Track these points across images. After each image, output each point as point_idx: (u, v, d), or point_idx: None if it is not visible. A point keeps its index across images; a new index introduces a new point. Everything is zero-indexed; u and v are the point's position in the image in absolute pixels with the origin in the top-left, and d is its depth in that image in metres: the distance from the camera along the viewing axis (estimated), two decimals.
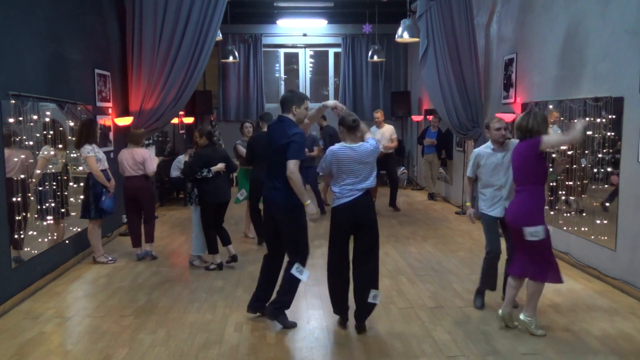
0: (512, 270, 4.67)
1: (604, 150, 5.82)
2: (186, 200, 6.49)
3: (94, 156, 6.32)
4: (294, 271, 4.63)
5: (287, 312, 4.75)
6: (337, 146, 4.58)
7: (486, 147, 5.03)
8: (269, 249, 4.93)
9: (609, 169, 5.75)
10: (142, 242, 6.94)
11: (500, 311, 4.65)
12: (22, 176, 5.40)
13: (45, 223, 5.90)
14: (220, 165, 6.36)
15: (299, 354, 4.27)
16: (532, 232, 4.36)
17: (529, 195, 4.45)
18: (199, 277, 6.18)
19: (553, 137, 4.77)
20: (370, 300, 4.53)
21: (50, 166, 6.02)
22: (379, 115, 9.96)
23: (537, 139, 4.39)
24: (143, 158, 6.73)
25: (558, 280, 4.50)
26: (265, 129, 7.39)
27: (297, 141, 4.47)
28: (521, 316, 4.58)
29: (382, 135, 9.53)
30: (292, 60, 14.90)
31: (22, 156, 5.42)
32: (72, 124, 6.58)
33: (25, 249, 5.51)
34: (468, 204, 4.95)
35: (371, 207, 4.63)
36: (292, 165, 4.43)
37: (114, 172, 6.83)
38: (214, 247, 6.42)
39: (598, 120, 5.90)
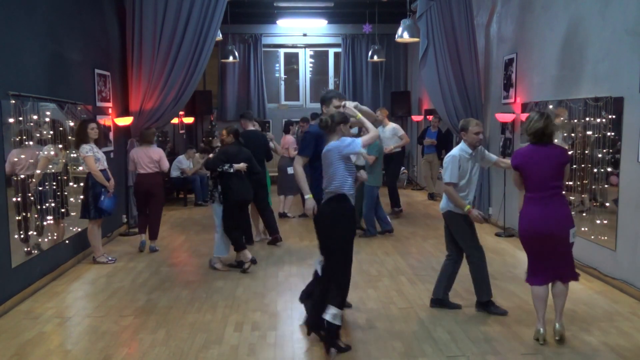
0: (541, 280, 4.40)
1: (604, 150, 5.82)
2: (208, 198, 6.54)
3: (92, 156, 6.32)
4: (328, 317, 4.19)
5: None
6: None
7: (462, 151, 4.87)
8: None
9: (609, 169, 5.75)
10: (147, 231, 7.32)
11: (541, 330, 4.35)
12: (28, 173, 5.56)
13: (45, 223, 5.90)
14: (242, 165, 6.40)
15: (299, 354, 4.27)
16: (574, 233, 4.32)
17: (563, 198, 4.38)
18: (199, 277, 6.18)
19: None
20: (325, 317, 4.17)
21: (51, 166, 6.02)
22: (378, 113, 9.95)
23: (566, 155, 4.36)
24: (159, 156, 7.19)
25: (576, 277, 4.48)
26: (249, 128, 7.54)
27: (305, 138, 4.88)
28: (557, 326, 4.36)
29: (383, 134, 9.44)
30: (292, 60, 14.90)
31: (45, 153, 5.75)
32: (72, 124, 6.58)
33: (26, 249, 5.51)
34: (468, 207, 4.79)
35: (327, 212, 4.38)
36: (294, 161, 4.67)
37: (114, 172, 6.83)
38: (240, 244, 6.40)
39: (598, 120, 5.90)
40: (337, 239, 4.29)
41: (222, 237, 6.43)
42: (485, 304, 4.99)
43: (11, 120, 5.22)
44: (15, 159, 5.33)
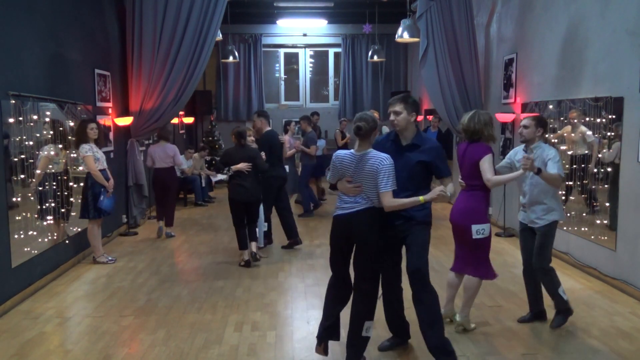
0: (454, 266, 4.74)
1: (604, 150, 5.83)
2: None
3: (91, 155, 6.33)
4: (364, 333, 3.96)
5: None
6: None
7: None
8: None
9: (609, 169, 5.75)
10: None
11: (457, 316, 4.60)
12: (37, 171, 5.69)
13: (45, 223, 5.90)
14: (241, 165, 6.39)
15: (299, 354, 4.26)
16: (479, 230, 4.42)
17: (474, 194, 4.50)
18: (199, 277, 6.18)
19: (498, 177, 4.51)
20: (363, 333, 3.91)
21: (51, 166, 6.02)
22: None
23: (487, 154, 4.40)
24: (174, 152, 8.05)
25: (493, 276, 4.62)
26: (267, 128, 7.36)
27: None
28: (457, 317, 4.59)
29: None
30: (292, 60, 14.91)
31: (45, 153, 5.85)
32: (72, 124, 6.58)
33: (26, 249, 5.51)
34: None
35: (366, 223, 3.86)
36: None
37: (113, 172, 6.82)
38: (243, 243, 6.55)
39: (598, 120, 5.90)
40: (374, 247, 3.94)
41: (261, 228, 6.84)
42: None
43: (11, 120, 5.22)
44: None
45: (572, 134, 6.43)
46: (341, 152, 3.97)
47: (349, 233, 3.85)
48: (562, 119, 6.62)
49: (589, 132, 6.12)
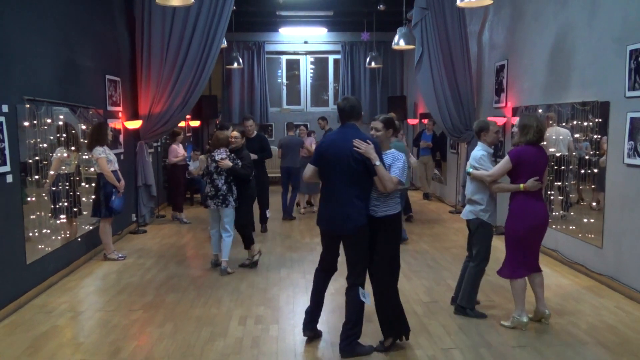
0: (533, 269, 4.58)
1: (591, 152, 5.83)
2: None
3: (105, 157, 6.33)
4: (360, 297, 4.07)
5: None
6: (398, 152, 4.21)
7: (485, 150, 4.74)
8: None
9: (596, 170, 5.75)
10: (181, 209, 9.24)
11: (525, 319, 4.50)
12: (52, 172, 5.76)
13: (58, 222, 5.90)
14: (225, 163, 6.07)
15: (300, 346, 4.26)
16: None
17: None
18: (205, 273, 6.18)
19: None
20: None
21: (64, 167, 6.02)
22: None
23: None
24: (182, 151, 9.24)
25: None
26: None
27: None
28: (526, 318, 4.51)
29: None
30: (293, 67, 14.91)
31: (58, 155, 5.87)
32: (84, 127, 6.58)
33: (40, 247, 5.51)
34: (522, 185, 4.39)
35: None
36: None
37: (123, 173, 6.82)
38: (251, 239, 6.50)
39: (585, 123, 5.90)
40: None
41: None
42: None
43: (26, 123, 5.22)
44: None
45: (548, 135, 6.49)
46: (399, 153, 4.16)
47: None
48: (551, 122, 6.62)
49: (564, 132, 6.19)
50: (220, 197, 5.99)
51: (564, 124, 6.35)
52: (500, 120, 7.94)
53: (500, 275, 4.64)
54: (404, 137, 7.93)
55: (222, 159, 5.95)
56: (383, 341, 4.16)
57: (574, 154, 6.12)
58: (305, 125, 11.17)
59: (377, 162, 3.85)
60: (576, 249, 6.17)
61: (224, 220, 6.06)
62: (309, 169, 4.16)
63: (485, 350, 4.10)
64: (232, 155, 6.09)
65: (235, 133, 6.30)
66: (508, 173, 4.47)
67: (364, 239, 4.00)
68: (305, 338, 4.32)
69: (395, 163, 4.01)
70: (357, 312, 4.04)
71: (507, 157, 4.44)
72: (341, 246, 4.14)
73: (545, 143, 6.26)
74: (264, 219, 8.28)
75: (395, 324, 4.14)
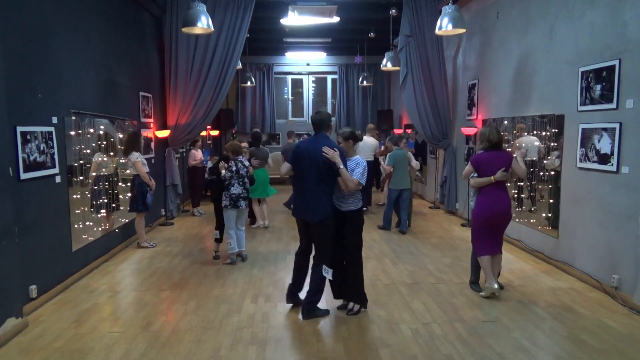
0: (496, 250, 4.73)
1: (548, 158, 5.82)
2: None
3: (140, 161, 6.34)
4: (323, 272, 4.23)
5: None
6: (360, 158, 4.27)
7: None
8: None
9: (552, 173, 5.75)
10: (198, 203, 9.28)
11: (495, 286, 4.60)
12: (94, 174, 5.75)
13: (99, 216, 5.90)
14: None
15: (304, 320, 4.26)
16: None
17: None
18: (223, 259, 6.16)
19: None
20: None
21: (103, 169, 6.02)
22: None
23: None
24: (199, 156, 9.17)
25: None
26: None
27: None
28: (496, 285, 4.64)
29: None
30: (297, 85, 14.91)
31: (99, 159, 5.87)
32: (120, 135, 6.58)
33: (83, 237, 5.51)
34: (493, 177, 4.57)
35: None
36: None
37: (154, 174, 6.82)
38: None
39: (544, 133, 5.90)
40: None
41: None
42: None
43: (72, 132, 5.22)
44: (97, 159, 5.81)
45: (518, 143, 6.48)
46: (361, 159, 4.22)
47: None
48: (515, 132, 6.62)
49: (533, 139, 6.18)
50: (247, 198, 5.89)
51: (525, 134, 6.35)
52: (472, 130, 7.95)
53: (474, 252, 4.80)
54: (405, 145, 7.93)
55: (250, 164, 5.94)
56: (347, 304, 4.37)
57: (545, 161, 6.01)
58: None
59: (341, 166, 4.00)
60: (536, 239, 6.17)
61: (243, 218, 5.97)
62: (286, 166, 4.31)
63: (460, 325, 4.10)
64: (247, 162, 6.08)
65: (244, 144, 6.28)
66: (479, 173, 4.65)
67: (329, 227, 4.14)
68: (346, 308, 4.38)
69: (357, 168, 4.14)
70: (319, 284, 4.26)
71: (470, 162, 4.71)
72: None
73: (511, 149, 6.27)
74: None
75: (360, 292, 4.32)
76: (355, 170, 4.12)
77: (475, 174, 4.66)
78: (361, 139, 7.57)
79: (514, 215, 6.65)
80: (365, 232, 7.58)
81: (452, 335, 3.88)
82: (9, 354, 3.63)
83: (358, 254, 4.29)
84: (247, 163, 5.95)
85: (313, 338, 3.86)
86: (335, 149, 4.05)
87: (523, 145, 6.13)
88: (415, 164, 7.70)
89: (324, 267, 4.20)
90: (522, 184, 6.44)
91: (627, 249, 4.51)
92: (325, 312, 4.32)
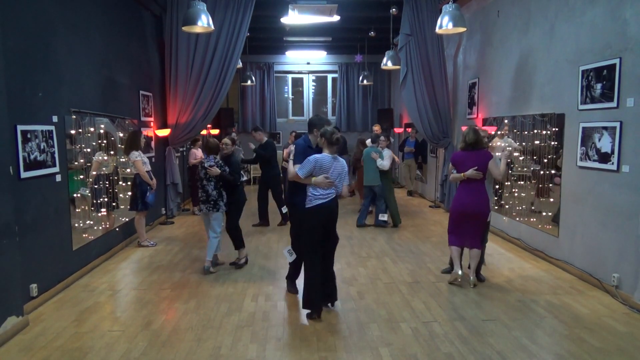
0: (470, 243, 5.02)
1: (549, 156, 5.82)
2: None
3: (140, 160, 6.33)
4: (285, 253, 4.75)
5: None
6: (320, 155, 4.20)
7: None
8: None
9: (553, 172, 5.74)
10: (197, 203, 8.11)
11: (460, 272, 4.96)
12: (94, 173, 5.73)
13: (99, 214, 5.89)
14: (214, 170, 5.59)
15: (303, 318, 4.26)
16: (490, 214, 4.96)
17: (485, 187, 4.93)
18: (223, 258, 6.16)
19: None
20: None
21: (104, 168, 6.01)
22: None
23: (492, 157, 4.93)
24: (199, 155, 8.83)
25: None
26: (265, 138, 7.88)
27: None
28: (460, 272, 4.97)
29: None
30: (298, 84, 14.90)
31: (100, 158, 5.86)
32: (121, 134, 6.58)
33: (84, 235, 5.51)
34: (463, 174, 4.91)
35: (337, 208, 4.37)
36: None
37: (154, 173, 6.82)
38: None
39: (544, 132, 5.89)
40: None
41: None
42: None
43: (72, 131, 5.22)
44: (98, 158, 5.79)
45: (499, 143, 6.61)
46: (320, 156, 4.18)
47: (334, 214, 4.27)
48: (515, 131, 6.61)
49: (510, 142, 6.36)
50: (212, 202, 5.43)
51: (526, 133, 6.34)
52: None
53: None
54: (387, 143, 7.90)
55: (210, 166, 5.35)
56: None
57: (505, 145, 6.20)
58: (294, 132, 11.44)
59: (290, 160, 4.35)
60: (536, 237, 6.16)
61: (213, 222, 5.51)
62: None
63: (460, 323, 4.10)
64: (220, 161, 5.48)
65: (225, 140, 5.72)
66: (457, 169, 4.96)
67: (295, 223, 4.52)
68: (307, 311, 4.31)
69: (304, 163, 4.20)
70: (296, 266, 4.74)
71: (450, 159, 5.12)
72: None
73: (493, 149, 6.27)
74: (283, 215, 7.93)
75: (304, 292, 4.31)
76: (300, 165, 4.19)
77: (454, 171, 5.00)
78: (365, 145, 7.83)
79: (514, 214, 6.65)
80: (366, 231, 7.65)
81: (452, 334, 3.87)
82: (9, 353, 3.63)
83: (305, 255, 4.29)
84: (207, 164, 5.39)
85: (313, 337, 3.86)
86: (291, 146, 4.47)
87: (508, 147, 6.23)
88: (380, 163, 7.62)
89: (289, 248, 4.64)
90: (522, 182, 6.43)
91: (628, 248, 4.51)
92: (295, 291, 4.77)
